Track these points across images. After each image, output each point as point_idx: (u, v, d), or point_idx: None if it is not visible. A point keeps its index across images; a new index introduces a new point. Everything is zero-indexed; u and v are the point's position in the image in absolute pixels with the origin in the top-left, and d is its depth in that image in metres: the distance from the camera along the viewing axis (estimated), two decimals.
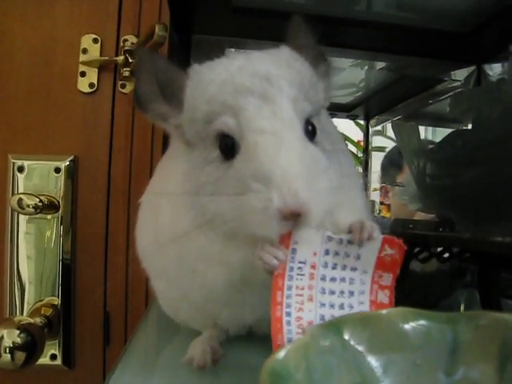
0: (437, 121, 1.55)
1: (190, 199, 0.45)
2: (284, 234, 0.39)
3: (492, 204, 0.73)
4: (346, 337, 0.35)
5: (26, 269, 0.97)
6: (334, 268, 0.42)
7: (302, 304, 0.40)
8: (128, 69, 0.98)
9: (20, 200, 0.88)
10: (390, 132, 1.64)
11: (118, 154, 1.01)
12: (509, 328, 0.33)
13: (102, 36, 1.00)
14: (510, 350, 0.32)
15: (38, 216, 0.95)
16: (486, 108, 0.74)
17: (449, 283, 0.78)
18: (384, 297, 0.42)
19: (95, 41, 1.00)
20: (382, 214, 2.17)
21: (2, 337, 0.79)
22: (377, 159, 1.97)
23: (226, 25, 0.93)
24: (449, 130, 0.90)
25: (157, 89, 0.47)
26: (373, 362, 0.34)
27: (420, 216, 1.21)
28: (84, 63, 0.99)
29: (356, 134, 2.07)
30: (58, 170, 0.97)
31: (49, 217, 0.97)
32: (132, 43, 0.99)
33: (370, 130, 1.68)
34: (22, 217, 0.96)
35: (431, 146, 0.89)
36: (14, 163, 0.97)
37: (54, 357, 0.98)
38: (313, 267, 0.41)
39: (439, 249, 0.74)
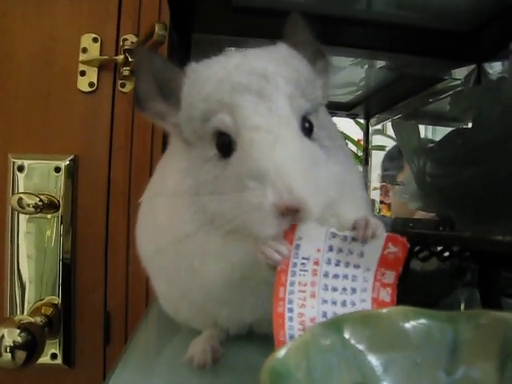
0: (437, 120, 1.55)
1: (190, 198, 0.45)
2: (288, 229, 0.39)
3: (492, 203, 0.73)
4: (347, 336, 0.35)
5: (26, 268, 0.97)
6: (337, 265, 0.42)
7: (305, 300, 0.40)
8: (128, 68, 0.98)
9: (20, 199, 0.88)
10: (390, 131, 1.63)
11: (118, 154, 1.01)
12: (509, 327, 0.33)
13: (101, 35, 1.00)
14: (511, 348, 0.32)
15: (38, 215, 0.95)
16: (486, 107, 0.74)
17: (449, 282, 0.78)
18: (386, 295, 0.42)
19: (95, 40, 1.00)
20: (382, 213, 2.16)
21: (3, 336, 0.79)
22: (377, 158, 1.96)
23: (225, 24, 0.93)
24: (449, 129, 0.90)
25: (155, 87, 0.47)
26: (373, 360, 0.34)
27: (420, 215, 1.21)
28: (84, 62, 0.99)
29: (356, 133, 2.07)
30: (58, 170, 0.97)
31: (49, 216, 0.97)
32: (132, 42, 0.99)
33: (370, 128, 1.68)
34: (22, 216, 0.96)
35: (431, 145, 0.89)
36: (14, 162, 0.97)
37: (54, 356, 0.98)
38: (316, 263, 0.41)
39: (439, 248, 0.74)
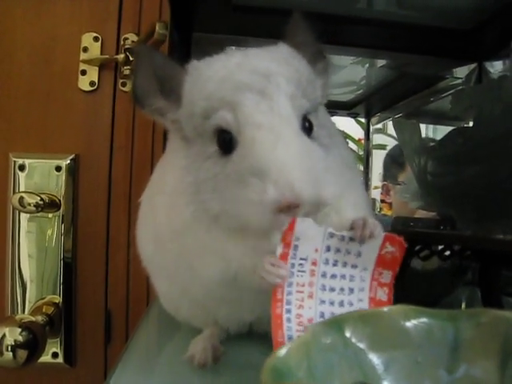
0: (438, 118, 1.55)
1: (190, 195, 0.45)
2: (285, 230, 0.39)
3: (493, 201, 0.73)
4: (348, 334, 0.35)
5: (27, 267, 0.97)
6: (334, 265, 0.42)
7: (303, 301, 0.40)
8: (128, 67, 0.98)
9: (21, 198, 0.89)
10: (391, 130, 1.63)
11: (118, 153, 1.01)
12: (510, 325, 0.33)
13: (102, 34, 1.00)
14: None
15: (39, 214, 0.95)
16: (488, 105, 0.74)
17: (450, 281, 0.78)
18: (383, 294, 0.42)
19: (96, 39, 1.00)
20: (383, 212, 2.16)
21: (4, 335, 0.79)
22: (378, 157, 1.96)
23: (226, 23, 0.92)
24: (450, 128, 0.90)
25: (155, 84, 0.47)
26: (374, 359, 0.34)
27: (421, 214, 1.21)
28: (84, 62, 0.99)
29: (357, 132, 2.07)
30: (58, 169, 0.97)
31: (50, 215, 0.97)
32: (132, 41, 0.99)
33: (371, 127, 1.67)
34: (23, 215, 0.96)
35: (432, 144, 0.88)
36: (15, 162, 0.97)
37: (55, 355, 0.98)
38: (314, 264, 0.41)
39: (440, 247, 0.74)
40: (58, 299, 0.98)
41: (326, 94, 0.51)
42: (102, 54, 1.00)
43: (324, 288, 0.41)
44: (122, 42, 1.00)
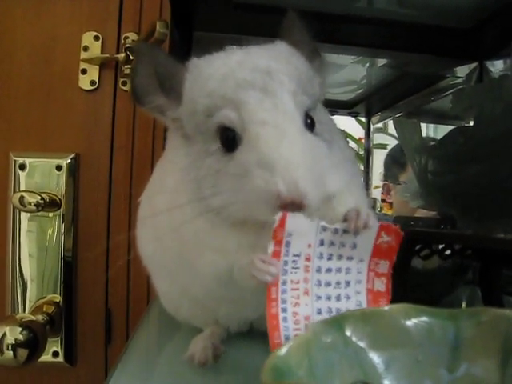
0: (438, 118, 1.55)
1: (190, 192, 0.45)
2: (276, 226, 0.38)
3: (494, 201, 0.73)
4: (348, 333, 0.34)
5: (27, 266, 0.97)
6: (329, 259, 0.41)
7: (298, 298, 0.40)
8: (129, 66, 0.98)
9: (21, 198, 0.89)
10: (392, 129, 1.63)
11: (119, 152, 1.01)
12: (511, 324, 0.33)
13: (102, 33, 1.00)
14: None
15: (39, 214, 0.95)
16: (488, 105, 0.74)
17: (450, 280, 0.78)
18: (381, 284, 0.42)
19: (96, 38, 1.00)
20: (383, 212, 2.17)
21: (5, 334, 0.79)
22: (378, 156, 1.96)
23: (226, 22, 0.93)
24: (450, 127, 0.90)
25: (155, 81, 0.47)
26: (375, 358, 0.34)
27: (422, 213, 1.21)
28: (85, 61, 0.99)
29: (357, 132, 2.07)
30: (59, 168, 0.97)
31: (50, 214, 0.97)
32: (133, 40, 0.99)
33: (372, 127, 1.68)
34: (23, 214, 0.96)
35: (433, 143, 0.88)
36: (15, 161, 0.97)
37: (55, 354, 0.98)
38: (307, 259, 0.40)
39: (441, 246, 0.74)
40: (59, 298, 0.98)
41: (323, 92, 0.51)
42: (102, 53, 1.00)
43: (319, 283, 0.41)
44: (122, 41, 1.00)
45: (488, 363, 0.32)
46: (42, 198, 0.90)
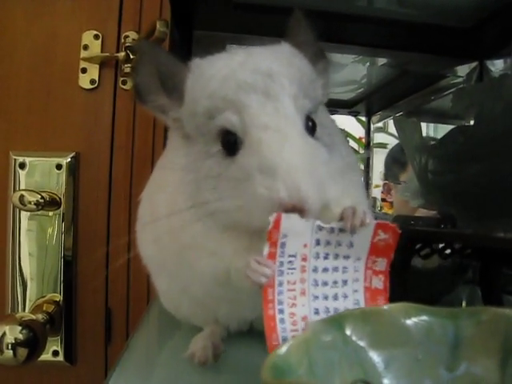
0: (439, 117, 1.55)
1: (189, 193, 0.45)
2: (271, 228, 0.38)
3: (494, 200, 0.73)
4: (348, 332, 0.34)
5: (27, 265, 0.97)
6: (325, 258, 0.41)
7: (295, 299, 0.40)
8: (129, 65, 0.98)
9: (21, 197, 0.89)
10: (392, 128, 1.63)
11: (119, 151, 1.01)
12: (511, 323, 0.33)
13: (103, 32, 1.00)
14: None
15: (39, 213, 0.95)
16: (488, 104, 0.74)
17: (450, 279, 0.78)
18: (378, 282, 0.42)
19: (96, 37, 1.00)
20: (383, 211, 2.17)
21: (4, 333, 0.79)
22: (379, 156, 1.96)
23: (227, 21, 0.93)
24: (451, 127, 0.90)
25: (157, 81, 0.47)
26: (374, 357, 0.34)
27: (422, 213, 1.21)
28: (85, 59, 0.99)
29: (358, 131, 2.07)
30: (59, 167, 0.97)
31: (50, 213, 0.97)
32: (133, 39, 0.99)
33: (372, 126, 1.68)
34: (23, 213, 0.96)
35: (433, 142, 0.88)
36: (15, 160, 0.97)
37: (55, 353, 0.98)
38: (304, 259, 0.40)
39: (441, 245, 0.74)
40: (59, 297, 0.98)
41: (326, 94, 0.51)
42: (102, 51, 1.00)
43: (316, 283, 0.41)
44: (122, 40, 1.00)
45: (488, 362, 0.32)
46: (42, 197, 0.90)
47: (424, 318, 0.35)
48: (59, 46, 1.00)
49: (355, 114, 1.65)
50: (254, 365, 0.30)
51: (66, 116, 1.00)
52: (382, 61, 1.15)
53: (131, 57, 0.97)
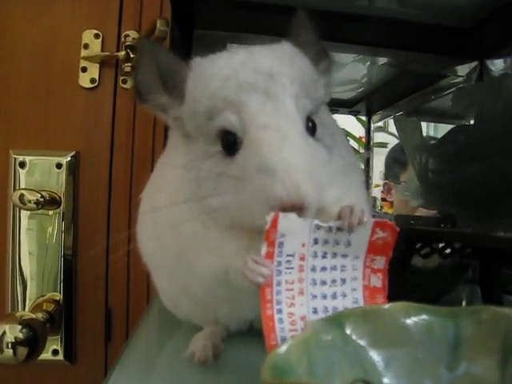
0: (439, 117, 1.55)
1: (189, 192, 0.45)
2: (269, 227, 0.38)
3: (494, 199, 0.73)
4: (348, 331, 0.34)
5: (27, 264, 0.97)
6: (324, 257, 0.41)
7: (293, 299, 0.40)
8: (129, 64, 0.98)
9: (21, 195, 0.88)
10: (392, 128, 1.63)
11: (119, 150, 1.01)
12: (511, 322, 0.33)
13: (103, 31, 1.00)
14: None
15: (39, 212, 0.95)
16: (489, 103, 0.74)
17: (450, 279, 0.78)
18: (377, 280, 0.41)
19: (96, 36, 1.00)
20: (383, 211, 2.17)
21: (4, 332, 0.79)
22: (379, 155, 1.96)
23: (227, 20, 0.92)
24: (451, 126, 0.90)
25: (158, 79, 0.47)
26: (375, 356, 0.34)
27: (422, 212, 1.21)
28: (85, 58, 0.99)
29: (358, 130, 2.07)
30: (59, 166, 0.97)
31: (50, 212, 0.97)
32: (133, 38, 0.99)
33: (372, 125, 1.68)
34: (23, 212, 0.96)
35: (433, 142, 0.89)
36: (15, 159, 0.97)
37: (55, 352, 0.98)
38: (302, 259, 0.40)
39: (441, 244, 0.74)
40: (59, 296, 0.98)
41: (328, 93, 0.51)
42: (102, 51, 1.00)
43: (315, 282, 0.40)
44: (122, 39, 1.00)
45: (488, 362, 0.32)
46: (42, 196, 0.90)
47: (424, 317, 0.35)
48: (59, 45, 1.00)
49: (355, 114, 1.65)
50: (254, 364, 0.30)
51: (66, 115, 1.00)
52: (382, 60, 1.15)
53: (131, 56, 0.97)
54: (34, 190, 0.91)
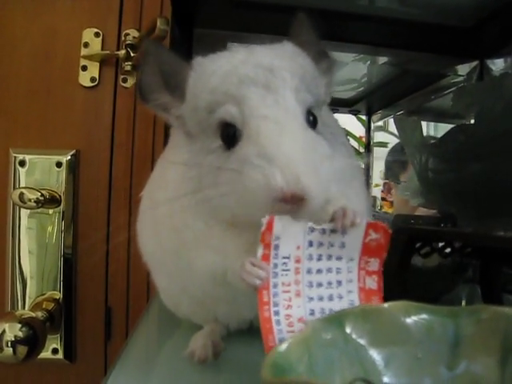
0: (439, 116, 1.55)
1: (191, 190, 0.45)
2: (264, 230, 0.38)
3: (494, 199, 0.73)
4: (348, 330, 0.35)
5: (27, 263, 0.97)
6: (319, 259, 0.41)
7: (290, 301, 0.40)
8: (129, 63, 0.98)
9: (21, 194, 0.88)
10: (392, 127, 1.64)
11: (119, 149, 1.01)
12: (510, 322, 0.33)
13: (103, 30, 1.00)
14: None
15: (39, 210, 0.95)
16: (489, 103, 0.74)
17: (450, 278, 0.78)
18: (372, 282, 0.42)
19: (97, 35, 0.99)
20: (383, 210, 2.17)
21: (4, 331, 0.79)
22: (379, 155, 1.96)
23: (227, 19, 0.93)
24: (451, 126, 0.90)
25: (160, 79, 0.48)
26: (374, 355, 0.34)
27: (422, 212, 1.21)
28: (85, 57, 0.99)
29: (358, 130, 2.07)
30: (59, 165, 0.97)
31: (50, 211, 0.97)
32: (133, 37, 0.99)
33: (372, 125, 1.68)
34: (23, 211, 0.96)
35: (433, 141, 0.89)
36: (15, 157, 0.96)
37: (55, 351, 0.98)
38: (297, 261, 0.40)
39: (441, 244, 0.74)
40: (59, 295, 0.98)
41: (329, 93, 0.51)
42: (102, 49, 0.99)
43: (311, 284, 0.41)
44: (123, 38, 1.00)
45: (488, 361, 0.32)
46: (42, 195, 0.90)
47: (424, 316, 0.35)
48: (59, 44, 0.99)
49: (355, 113, 1.65)
50: (254, 363, 0.30)
51: (66, 114, 0.99)
52: (382, 59, 1.15)
53: (132, 55, 0.97)
54: (33, 189, 0.91)
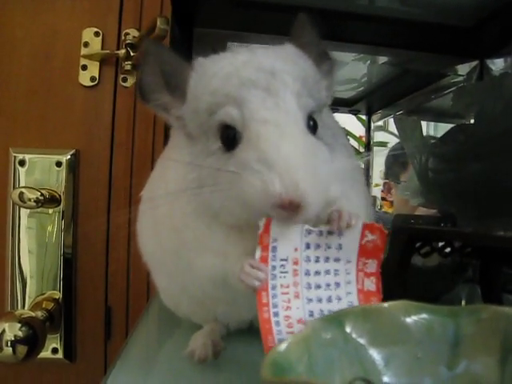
0: (439, 116, 1.55)
1: (192, 191, 0.45)
2: (261, 232, 0.39)
3: (494, 199, 0.73)
4: (348, 330, 0.35)
5: (27, 263, 0.97)
6: (316, 261, 0.41)
7: (289, 302, 0.40)
8: (129, 62, 0.98)
9: (21, 194, 0.88)
10: (392, 127, 1.64)
11: (119, 148, 1.01)
12: (510, 321, 0.33)
13: (103, 29, 1.00)
14: None
15: (39, 210, 0.94)
16: (489, 103, 0.74)
17: (450, 278, 0.78)
18: (371, 284, 0.42)
19: (96, 34, 0.99)
20: (384, 210, 2.17)
21: (4, 330, 0.79)
22: (379, 155, 1.96)
23: (227, 18, 0.93)
24: (451, 126, 0.90)
25: (161, 79, 0.47)
26: (374, 354, 0.34)
27: (422, 211, 1.21)
28: (85, 57, 0.99)
29: (358, 129, 2.07)
30: (59, 164, 0.97)
31: (50, 211, 0.97)
32: (133, 37, 0.99)
33: (372, 125, 1.68)
34: (23, 211, 0.96)
35: (433, 141, 0.88)
36: (15, 157, 0.96)
37: (55, 350, 0.98)
38: (295, 263, 0.40)
39: (441, 243, 0.74)
40: (58, 295, 0.98)
41: (330, 95, 0.51)
42: (102, 49, 0.99)
43: (309, 286, 0.41)
44: (123, 37, 1.00)
45: (487, 360, 0.32)
46: (42, 195, 0.90)
47: (424, 316, 0.35)
48: (59, 43, 0.99)
49: (355, 113, 1.65)
50: (254, 362, 0.30)
51: (66, 113, 0.99)
52: (382, 59, 1.15)
53: (132, 54, 0.97)
54: (33, 189, 0.90)
